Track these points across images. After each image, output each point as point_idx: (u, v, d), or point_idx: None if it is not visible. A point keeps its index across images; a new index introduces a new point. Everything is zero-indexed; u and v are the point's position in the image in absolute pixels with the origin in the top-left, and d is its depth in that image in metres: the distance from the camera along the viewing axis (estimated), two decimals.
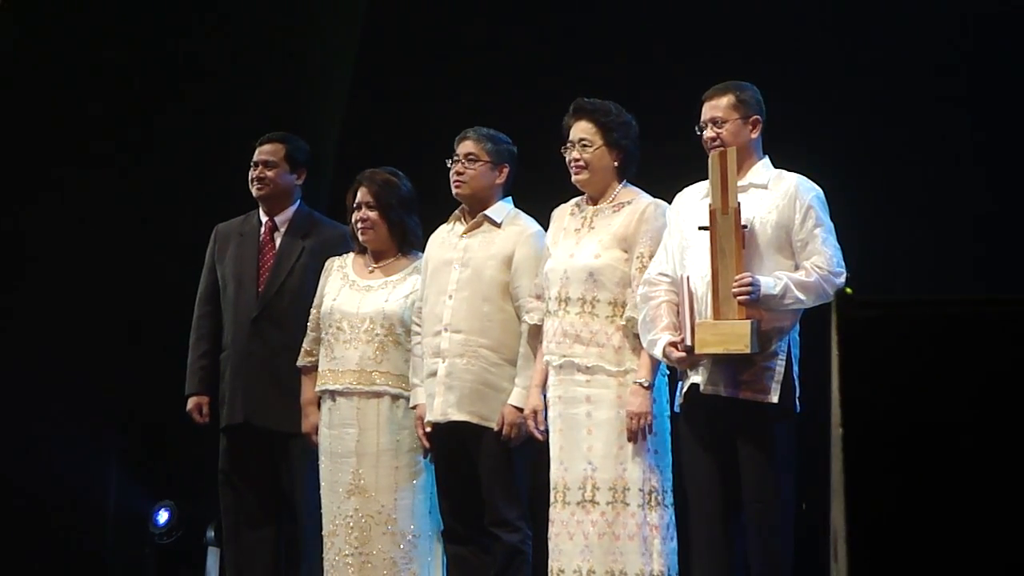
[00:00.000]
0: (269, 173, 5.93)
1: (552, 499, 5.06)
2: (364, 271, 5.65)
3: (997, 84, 6.15)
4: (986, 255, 6.05)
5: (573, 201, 5.24)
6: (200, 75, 7.24)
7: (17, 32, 7.16)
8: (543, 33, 6.92)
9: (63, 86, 7.14)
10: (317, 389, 5.61)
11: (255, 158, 5.95)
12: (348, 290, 5.61)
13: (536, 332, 5.18)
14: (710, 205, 4.72)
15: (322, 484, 5.56)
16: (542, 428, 5.12)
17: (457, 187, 5.41)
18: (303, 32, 7.39)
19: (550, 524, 5.05)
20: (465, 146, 5.41)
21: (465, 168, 5.39)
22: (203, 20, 7.25)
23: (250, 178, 5.95)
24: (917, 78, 6.24)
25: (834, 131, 6.20)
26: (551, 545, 5.04)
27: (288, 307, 5.80)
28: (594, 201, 5.16)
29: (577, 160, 5.12)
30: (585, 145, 5.11)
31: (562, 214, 5.25)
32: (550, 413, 5.09)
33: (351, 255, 5.72)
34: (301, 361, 5.70)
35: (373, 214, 5.59)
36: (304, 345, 5.71)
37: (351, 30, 7.28)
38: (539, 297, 5.17)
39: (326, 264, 5.76)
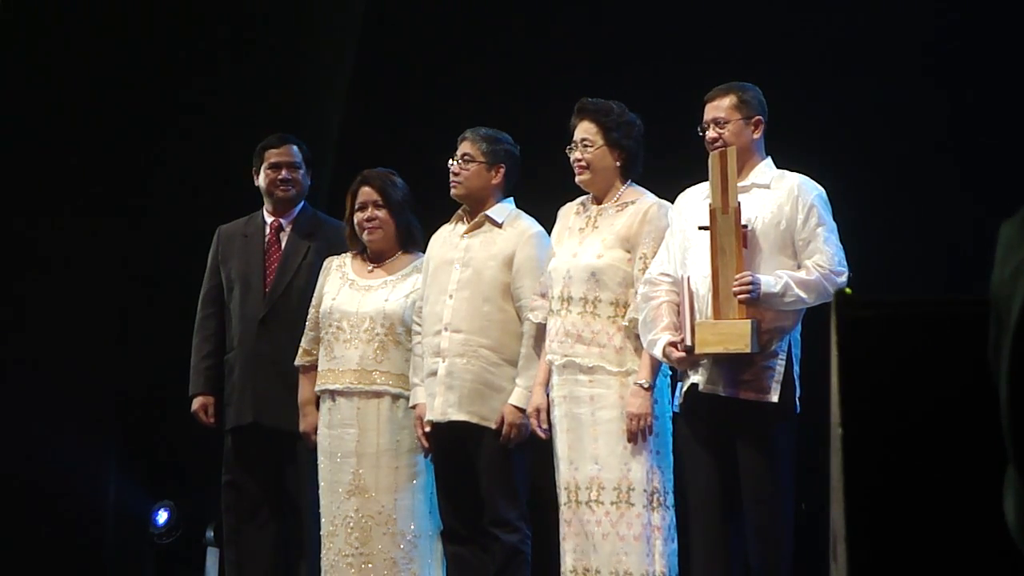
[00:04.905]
0: (296, 174, 5.94)
1: (564, 499, 5.04)
2: (364, 270, 5.65)
3: (999, 84, 6.15)
4: (986, 255, 6.04)
5: (579, 200, 5.24)
6: (200, 75, 7.23)
7: (18, 30, 7.16)
8: (547, 31, 6.91)
9: (63, 86, 7.14)
10: (317, 389, 5.60)
11: (275, 160, 5.92)
12: (348, 289, 5.61)
13: (539, 331, 5.18)
14: (710, 205, 4.73)
15: (321, 484, 5.56)
16: (545, 427, 5.12)
17: (453, 187, 5.42)
18: (303, 32, 7.38)
19: (565, 524, 5.04)
20: (463, 146, 5.42)
21: (461, 168, 5.40)
22: (202, 20, 7.24)
23: (271, 180, 5.91)
24: (919, 78, 6.24)
25: (835, 131, 6.19)
26: (566, 545, 5.03)
27: (295, 307, 5.79)
28: (599, 201, 5.17)
29: (579, 160, 5.12)
30: (587, 145, 5.11)
31: (567, 213, 5.25)
32: (555, 413, 5.09)
33: (350, 254, 5.71)
34: (299, 360, 5.69)
35: (382, 213, 5.59)
36: (303, 344, 5.70)
37: (351, 30, 7.27)
38: (544, 296, 5.17)
39: (324, 263, 5.75)
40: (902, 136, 6.24)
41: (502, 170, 5.42)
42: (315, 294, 5.71)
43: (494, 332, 5.29)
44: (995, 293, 1.59)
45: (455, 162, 5.41)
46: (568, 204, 5.28)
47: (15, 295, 7.12)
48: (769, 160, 4.93)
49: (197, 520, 6.90)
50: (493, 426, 5.23)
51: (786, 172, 4.89)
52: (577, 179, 5.15)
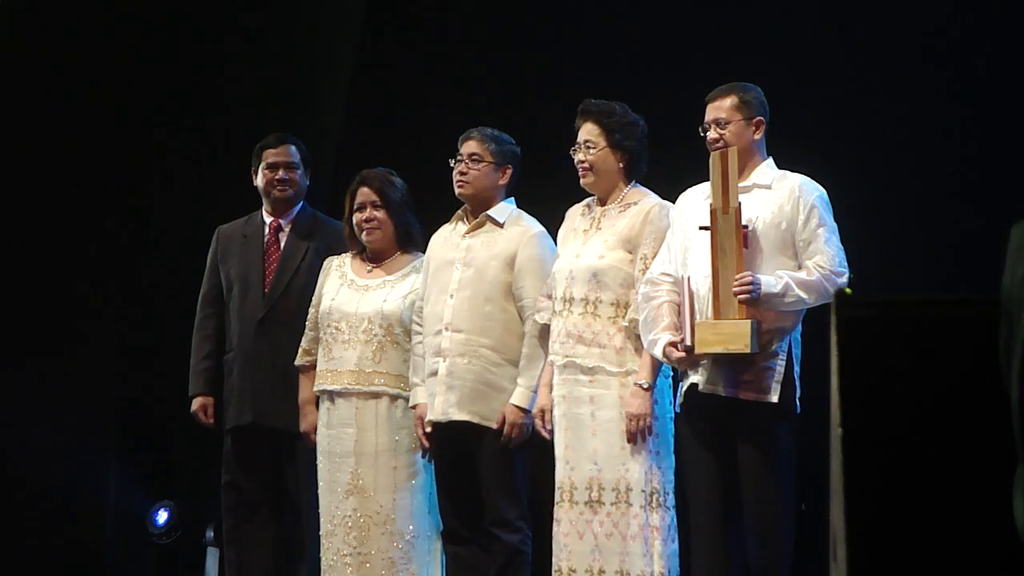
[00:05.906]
0: (293, 175, 5.94)
1: (558, 498, 5.04)
2: (363, 270, 5.65)
3: (1000, 84, 6.15)
4: (986, 255, 6.03)
5: (585, 202, 5.25)
6: (199, 75, 7.23)
7: (16, 30, 7.16)
8: (550, 32, 6.90)
9: (63, 86, 7.14)
10: (315, 389, 5.60)
11: (272, 160, 5.93)
12: (347, 289, 5.61)
13: (544, 331, 5.18)
14: (711, 205, 4.73)
15: (320, 484, 5.56)
16: (549, 427, 5.12)
17: (460, 187, 5.41)
18: (303, 32, 7.38)
19: (556, 524, 5.03)
20: (469, 146, 5.41)
21: (468, 168, 5.39)
22: (202, 21, 7.24)
23: (268, 180, 5.92)
24: (920, 79, 6.24)
25: (836, 132, 6.19)
26: (559, 544, 5.02)
27: (295, 307, 5.79)
28: (603, 202, 5.17)
29: (582, 162, 5.12)
30: (590, 147, 5.11)
31: (573, 214, 5.26)
32: (555, 413, 5.08)
33: (350, 254, 5.71)
34: (299, 360, 5.69)
35: (380, 213, 5.58)
36: (302, 344, 5.70)
37: (351, 30, 7.27)
38: (550, 296, 5.17)
39: (324, 263, 5.75)
40: (903, 137, 6.24)
41: (509, 171, 5.42)
42: (315, 294, 5.71)
43: (495, 332, 5.29)
44: (1006, 295, 1.58)
45: (462, 161, 5.40)
46: (575, 205, 5.28)
47: (14, 295, 7.12)
48: (770, 160, 4.93)
49: (197, 520, 6.90)
50: (494, 426, 5.23)
51: (787, 172, 4.89)
52: (581, 181, 5.14)
